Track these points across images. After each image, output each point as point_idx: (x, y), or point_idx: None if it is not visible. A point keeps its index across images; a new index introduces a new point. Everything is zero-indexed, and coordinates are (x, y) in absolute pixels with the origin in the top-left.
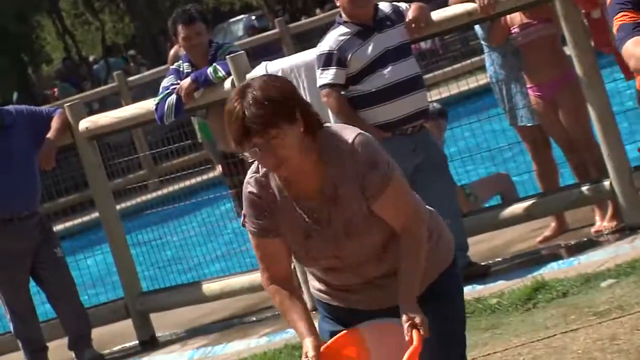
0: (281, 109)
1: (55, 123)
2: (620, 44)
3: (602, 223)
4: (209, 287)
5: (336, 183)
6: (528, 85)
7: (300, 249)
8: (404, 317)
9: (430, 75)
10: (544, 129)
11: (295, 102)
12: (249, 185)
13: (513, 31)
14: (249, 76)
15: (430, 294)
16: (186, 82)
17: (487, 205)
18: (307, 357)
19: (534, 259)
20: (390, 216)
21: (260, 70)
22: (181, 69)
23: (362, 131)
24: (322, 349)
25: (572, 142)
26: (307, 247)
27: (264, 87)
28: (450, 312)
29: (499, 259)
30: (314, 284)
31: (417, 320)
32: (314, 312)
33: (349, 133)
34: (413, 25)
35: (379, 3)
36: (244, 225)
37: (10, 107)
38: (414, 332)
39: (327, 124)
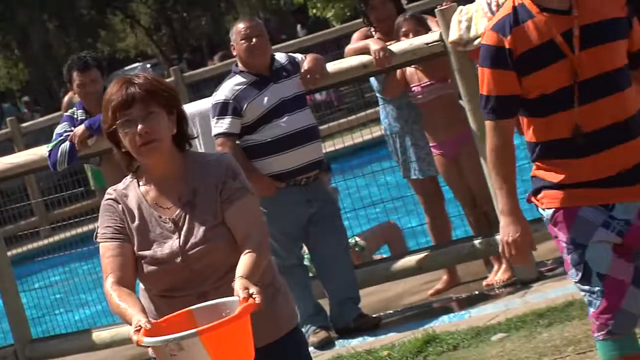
0: (166, 96)
1: None
2: None
3: (494, 277)
4: (99, 336)
5: (196, 188)
6: (430, 144)
7: (151, 257)
8: (240, 287)
9: (325, 126)
10: (448, 185)
11: (177, 104)
12: (107, 194)
13: (412, 89)
14: None
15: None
16: (80, 129)
17: (378, 256)
18: (138, 325)
19: (425, 312)
20: (241, 225)
21: None
22: (75, 116)
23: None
24: (152, 323)
25: (475, 196)
26: (157, 251)
27: (154, 76)
28: None
29: (391, 311)
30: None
31: (252, 290)
32: None
33: (216, 153)
34: (308, 76)
35: (275, 53)
36: (95, 238)
37: None
38: (250, 299)
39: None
